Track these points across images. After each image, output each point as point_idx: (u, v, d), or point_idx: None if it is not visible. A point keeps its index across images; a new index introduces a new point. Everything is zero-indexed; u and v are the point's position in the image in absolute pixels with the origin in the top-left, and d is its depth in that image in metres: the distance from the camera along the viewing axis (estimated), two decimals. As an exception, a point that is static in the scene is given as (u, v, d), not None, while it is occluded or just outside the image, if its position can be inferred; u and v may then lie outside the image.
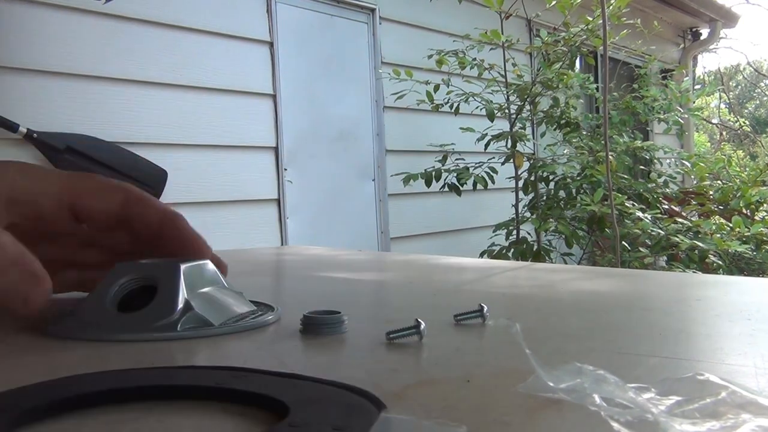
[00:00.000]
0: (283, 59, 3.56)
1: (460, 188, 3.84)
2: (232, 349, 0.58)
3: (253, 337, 0.65)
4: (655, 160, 4.73)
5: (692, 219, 3.90)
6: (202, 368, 0.48)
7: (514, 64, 4.02)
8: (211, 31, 3.25)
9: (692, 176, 4.91)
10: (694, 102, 4.80)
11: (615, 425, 0.32)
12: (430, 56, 3.85)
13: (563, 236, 3.65)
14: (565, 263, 3.80)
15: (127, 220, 0.55)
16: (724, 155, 8.58)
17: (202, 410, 0.40)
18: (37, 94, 2.68)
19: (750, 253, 3.28)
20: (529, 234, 3.93)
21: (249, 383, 0.42)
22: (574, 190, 3.86)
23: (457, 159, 3.94)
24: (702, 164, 4.47)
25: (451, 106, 3.91)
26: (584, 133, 4.29)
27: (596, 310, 0.78)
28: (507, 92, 3.97)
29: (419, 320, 0.58)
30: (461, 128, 3.92)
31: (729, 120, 13.67)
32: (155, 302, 0.59)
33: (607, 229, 3.51)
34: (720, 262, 3.24)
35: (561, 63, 3.94)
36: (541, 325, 0.69)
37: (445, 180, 3.83)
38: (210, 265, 0.63)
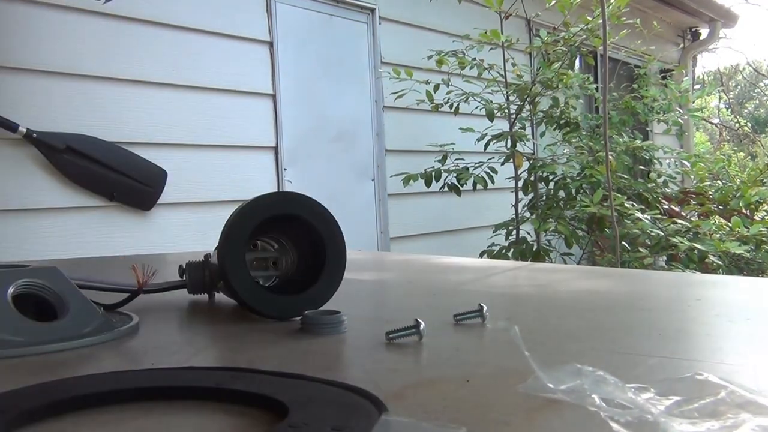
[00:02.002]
0: (282, 59, 3.56)
1: (460, 188, 3.84)
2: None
3: (249, 337, 0.65)
4: (655, 160, 4.72)
5: (692, 219, 3.90)
6: (203, 369, 0.48)
7: (513, 64, 4.02)
8: (211, 31, 3.25)
9: (692, 176, 4.91)
10: (693, 102, 4.79)
11: (614, 426, 0.32)
12: (429, 56, 3.84)
13: (563, 236, 3.65)
14: (565, 263, 3.80)
15: None
16: (724, 155, 8.57)
17: (202, 410, 0.40)
18: (37, 94, 2.68)
19: (749, 253, 3.28)
20: (528, 234, 3.92)
21: (249, 383, 0.42)
22: (573, 190, 3.86)
23: (456, 159, 3.93)
24: (702, 164, 4.46)
25: (450, 106, 3.91)
26: (584, 133, 4.28)
27: (596, 310, 0.78)
28: (507, 92, 3.97)
29: (419, 320, 0.58)
30: (461, 128, 3.92)
31: (730, 120, 13.67)
32: (72, 309, 0.60)
33: (606, 229, 3.50)
34: (719, 263, 3.24)
35: (561, 63, 3.93)
36: (540, 325, 0.69)
37: (444, 180, 3.83)
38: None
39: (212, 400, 0.41)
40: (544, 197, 4.06)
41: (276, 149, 3.52)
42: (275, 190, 3.48)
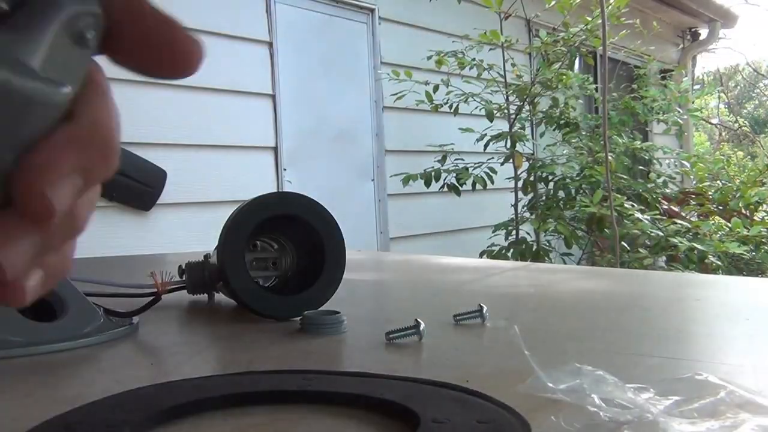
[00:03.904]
0: (282, 59, 3.56)
1: (460, 188, 3.84)
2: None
3: (249, 337, 0.65)
4: (654, 161, 4.72)
5: (691, 220, 3.90)
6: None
7: (513, 65, 4.02)
8: (211, 31, 3.24)
9: (691, 177, 4.91)
10: (693, 102, 4.79)
11: (614, 425, 0.32)
12: (429, 57, 3.84)
13: (562, 236, 3.65)
14: (565, 263, 3.80)
15: None
16: (723, 156, 8.57)
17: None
18: (37, 94, 2.67)
19: (749, 253, 3.28)
20: (528, 234, 3.93)
21: (375, 388, 0.42)
22: (573, 191, 3.86)
23: (456, 159, 3.94)
24: (701, 165, 4.46)
25: (450, 107, 3.91)
26: (583, 133, 4.28)
27: (595, 310, 0.78)
28: (506, 92, 3.97)
29: (419, 320, 0.58)
30: (460, 128, 3.92)
31: (729, 121, 13.67)
32: (72, 309, 0.60)
33: (606, 230, 3.50)
34: (719, 263, 3.24)
35: (560, 63, 3.93)
36: (540, 325, 0.69)
37: (444, 180, 3.83)
38: None
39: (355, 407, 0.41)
40: (544, 197, 4.06)
41: (276, 149, 3.52)
42: (275, 190, 3.48)
